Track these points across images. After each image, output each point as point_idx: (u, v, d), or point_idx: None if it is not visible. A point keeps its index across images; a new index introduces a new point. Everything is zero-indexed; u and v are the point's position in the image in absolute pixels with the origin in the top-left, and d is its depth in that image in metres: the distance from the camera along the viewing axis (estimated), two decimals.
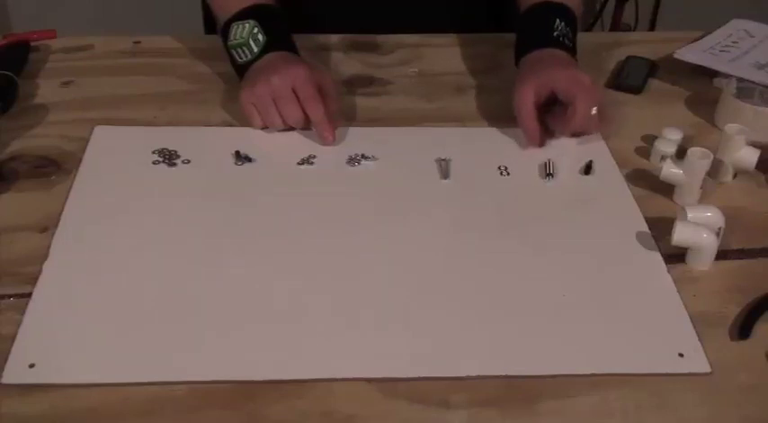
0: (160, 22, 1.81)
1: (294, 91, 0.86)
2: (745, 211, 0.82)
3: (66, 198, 0.79)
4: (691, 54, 1.04)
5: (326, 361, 0.63)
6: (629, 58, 1.07)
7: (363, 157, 0.86)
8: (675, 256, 0.75)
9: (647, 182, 0.85)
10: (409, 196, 0.82)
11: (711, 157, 0.80)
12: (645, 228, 0.78)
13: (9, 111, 0.91)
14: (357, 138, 0.90)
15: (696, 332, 0.67)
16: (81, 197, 0.79)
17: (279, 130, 0.89)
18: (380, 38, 1.11)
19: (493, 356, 0.65)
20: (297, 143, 0.88)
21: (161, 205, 0.79)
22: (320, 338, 0.65)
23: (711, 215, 0.75)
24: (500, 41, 1.11)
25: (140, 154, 0.85)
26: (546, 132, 0.90)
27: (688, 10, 2.12)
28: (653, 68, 1.05)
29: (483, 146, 0.90)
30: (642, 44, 1.12)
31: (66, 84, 0.98)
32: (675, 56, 1.04)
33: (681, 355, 0.65)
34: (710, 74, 1.03)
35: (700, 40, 1.09)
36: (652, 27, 2.39)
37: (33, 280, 0.69)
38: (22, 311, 0.66)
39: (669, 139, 0.87)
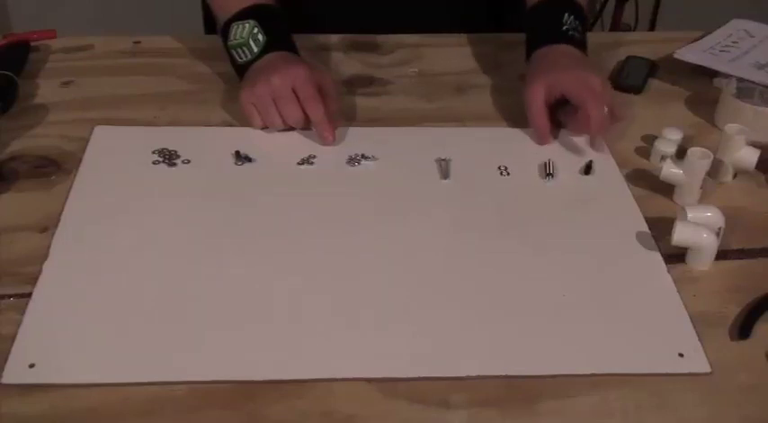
0: (160, 22, 1.81)
1: (294, 91, 0.86)
2: (745, 211, 0.82)
3: (66, 198, 0.79)
4: (691, 54, 1.04)
5: (326, 361, 0.63)
6: (629, 58, 1.07)
7: (363, 157, 0.86)
8: (675, 256, 0.75)
9: (647, 182, 0.85)
10: (409, 196, 0.82)
11: (711, 157, 0.80)
12: (645, 228, 0.78)
13: (9, 111, 0.91)
14: (357, 138, 0.90)
15: (696, 332, 0.67)
16: (81, 197, 0.79)
17: (279, 130, 0.89)
18: (380, 38, 1.11)
19: (493, 356, 0.65)
20: (297, 143, 0.88)
21: (161, 205, 0.79)
22: (320, 338, 0.65)
23: (711, 215, 0.75)
24: (500, 41, 1.11)
25: (140, 154, 0.85)
26: (553, 130, 0.90)
27: (688, 10, 2.12)
28: (653, 68, 1.05)
29: (483, 146, 0.90)
30: (642, 44, 1.12)
31: (66, 84, 0.98)
32: (675, 56, 1.04)
33: (681, 355, 0.65)
34: (710, 74, 1.03)
35: (700, 40, 1.09)
36: (652, 27, 2.39)
37: (33, 280, 0.69)
38: (22, 311, 0.66)
39: (669, 139, 0.87)
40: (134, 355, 0.63)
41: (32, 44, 1.04)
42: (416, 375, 0.63)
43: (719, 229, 0.74)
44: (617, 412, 0.61)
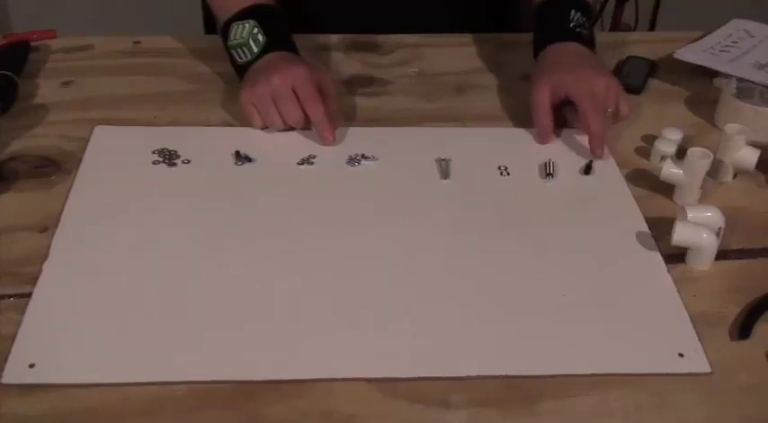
0: (160, 22, 1.81)
1: (294, 91, 0.86)
2: (745, 211, 0.82)
3: (66, 198, 0.79)
4: (691, 54, 1.04)
5: (326, 361, 0.63)
6: (629, 58, 1.07)
7: (363, 157, 0.86)
8: (675, 256, 0.75)
9: (647, 182, 0.85)
10: (409, 196, 0.82)
11: (711, 157, 0.80)
12: (645, 228, 0.78)
13: (9, 111, 0.91)
14: (357, 138, 0.90)
15: (696, 332, 0.67)
16: (81, 197, 0.79)
17: (279, 130, 0.89)
18: (380, 38, 1.11)
19: (493, 356, 0.65)
20: (297, 143, 0.88)
21: (161, 205, 0.78)
22: (320, 338, 0.65)
23: (711, 215, 0.75)
24: (500, 41, 1.11)
25: (140, 154, 0.85)
26: (554, 130, 0.90)
27: (688, 10, 2.12)
28: (653, 68, 1.05)
29: (483, 146, 0.90)
30: (642, 44, 1.12)
31: (66, 84, 0.98)
32: (675, 56, 1.04)
33: (681, 355, 0.65)
34: (710, 74, 1.03)
35: (700, 40, 1.09)
36: (652, 27, 2.39)
37: (33, 280, 0.69)
38: (22, 311, 0.66)
39: (669, 139, 0.87)
40: (134, 355, 0.63)
41: (32, 44, 1.04)
42: (416, 375, 0.63)
43: (719, 229, 0.74)
44: (617, 412, 0.61)
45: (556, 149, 0.89)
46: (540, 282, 0.72)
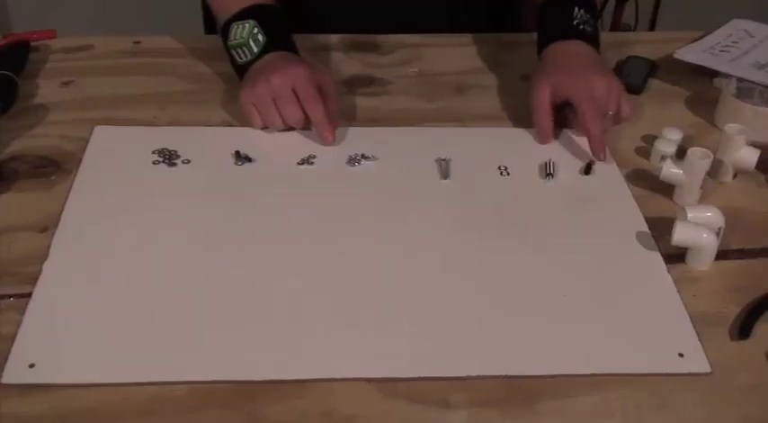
0: (160, 22, 1.81)
1: (294, 91, 0.86)
2: (745, 211, 0.82)
3: (66, 198, 0.79)
4: (691, 54, 1.04)
5: (326, 361, 0.63)
6: (629, 58, 1.07)
7: (363, 157, 0.86)
8: (675, 256, 0.75)
9: (647, 182, 0.85)
10: (409, 196, 0.82)
11: (711, 157, 0.80)
12: (645, 228, 0.78)
13: (9, 111, 0.91)
14: (357, 138, 0.90)
15: (696, 332, 0.67)
16: (81, 197, 0.79)
17: (279, 130, 0.89)
18: (380, 38, 1.11)
19: (493, 356, 0.65)
20: (297, 143, 0.88)
21: (161, 205, 0.78)
22: (320, 338, 0.65)
23: (711, 215, 0.75)
24: (500, 41, 1.11)
25: (140, 154, 0.85)
26: (554, 130, 0.90)
27: (688, 10, 2.12)
28: (653, 68, 1.05)
29: (483, 146, 0.90)
30: (642, 44, 1.12)
31: (66, 84, 0.98)
32: (675, 56, 1.04)
33: (681, 355, 0.65)
34: (710, 74, 1.03)
35: (700, 40, 1.09)
36: (652, 27, 2.39)
37: (33, 280, 0.69)
38: (22, 311, 0.66)
39: (669, 139, 0.87)
40: (134, 355, 0.63)
41: (32, 44, 1.04)
42: (416, 375, 0.63)
43: (719, 229, 0.74)
44: (617, 412, 0.61)
45: (556, 149, 0.89)
46: (539, 282, 0.72)
